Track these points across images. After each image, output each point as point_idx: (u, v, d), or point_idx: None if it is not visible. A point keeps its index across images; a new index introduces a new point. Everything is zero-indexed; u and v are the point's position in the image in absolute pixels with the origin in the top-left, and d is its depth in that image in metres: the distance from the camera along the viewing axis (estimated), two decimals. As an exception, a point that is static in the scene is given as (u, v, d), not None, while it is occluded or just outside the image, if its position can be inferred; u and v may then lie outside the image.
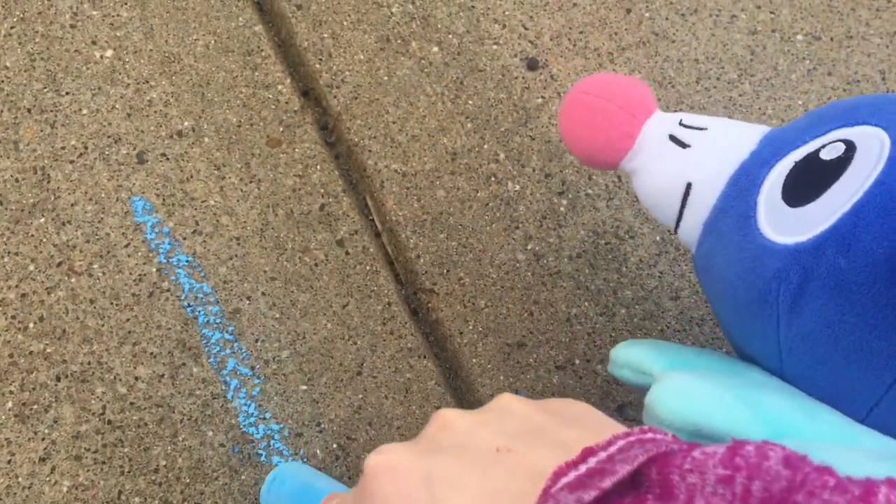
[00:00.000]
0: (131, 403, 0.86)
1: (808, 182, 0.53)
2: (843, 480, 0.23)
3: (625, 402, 0.94)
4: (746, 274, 0.55)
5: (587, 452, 0.27)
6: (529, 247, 1.02)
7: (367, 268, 0.99)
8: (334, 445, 0.88)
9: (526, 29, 1.14)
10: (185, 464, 0.84)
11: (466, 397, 0.95)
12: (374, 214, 1.03)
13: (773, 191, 0.55)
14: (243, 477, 0.85)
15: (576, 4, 1.16)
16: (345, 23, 1.12)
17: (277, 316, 0.94)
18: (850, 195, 0.50)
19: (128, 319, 0.90)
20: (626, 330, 0.98)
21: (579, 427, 0.31)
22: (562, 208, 1.04)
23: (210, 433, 0.86)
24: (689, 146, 0.63)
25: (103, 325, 0.89)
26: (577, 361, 0.96)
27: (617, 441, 0.27)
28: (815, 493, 0.23)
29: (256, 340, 0.92)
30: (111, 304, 0.91)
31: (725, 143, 0.62)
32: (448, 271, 1.00)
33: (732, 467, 0.24)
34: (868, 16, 1.17)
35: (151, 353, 0.89)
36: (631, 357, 0.62)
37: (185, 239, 0.96)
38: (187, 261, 0.95)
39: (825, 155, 0.53)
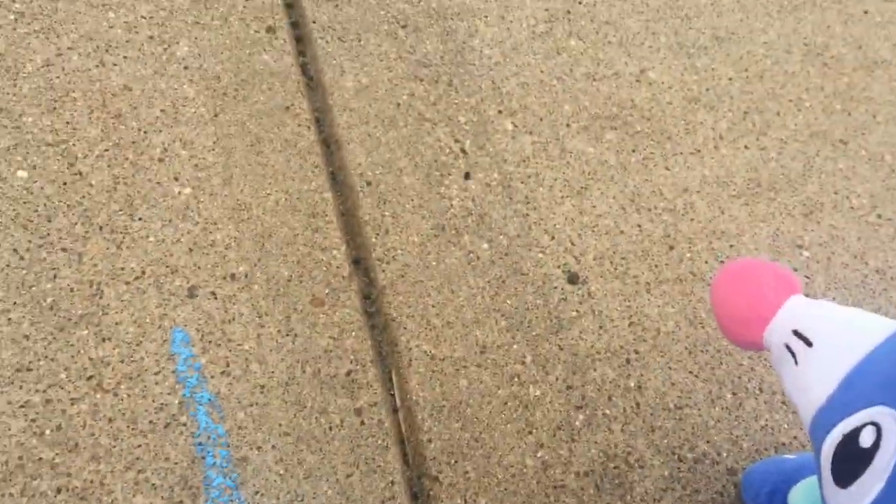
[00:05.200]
0: (120, 532, 0.86)
1: (848, 466, 0.60)
2: None
3: None
4: None
5: None
6: (539, 454, 1.03)
7: (379, 442, 1.00)
8: None
9: (572, 244, 1.20)
10: None
11: None
12: (396, 391, 1.05)
13: (826, 464, 0.62)
14: None
15: (622, 232, 1.23)
16: (407, 206, 1.19)
17: (282, 472, 0.94)
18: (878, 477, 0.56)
19: (139, 445, 0.92)
20: (621, 560, 0.97)
21: None
22: (577, 423, 1.06)
23: (188, 580, 0.85)
24: (797, 364, 0.71)
25: (115, 447, 0.90)
26: (567, 583, 0.94)
27: None
28: None
29: (256, 493, 0.92)
30: (128, 426, 0.92)
31: (818, 373, 0.69)
32: (456, 462, 1.00)
33: None
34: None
35: (153, 485, 0.89)
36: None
37: (212, 377, 0.99)
38: (209, 399, 0.97)
39: (863, 441, 0.59)
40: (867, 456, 0.57)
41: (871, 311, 1.18)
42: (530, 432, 1.04)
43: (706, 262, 1.22)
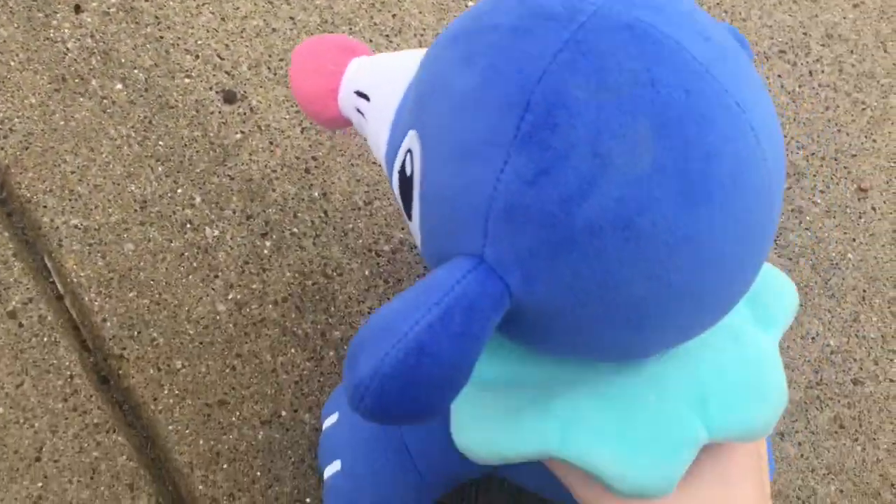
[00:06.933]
0: None
1: (406, 199, 0.57)
2: None
3: (335, 449, 0.92)
4: None
5: None
6: (231, 296, 0.97)
7: (45, 339, 0.90)
8: (9, 545, 0.81)
9: (221, 59, 1.08)
10: None
11: (165, 466, 0.89)
12: (55, 277, 0.94)
13: (399, 206, 0.63)
14: None
15: (275, 30, 1.11)
16: (12, 63, 1.01)
17: (-65, 408, 0.84)
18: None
19: None
20: (335, 373, 0.96)
21: None
22: (265, 251, 1.00)
23: None
24: (364, 121, 0.68)
25: None
26: (284, 413, 0.93)
27: None
28: None
29: None
30: None
31: (378, 124, 0.65)
32: (139, 333, 0.93)
33: None
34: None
35: None
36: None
37: None
38: None
39: (406, 170, 0.56)
40: (411, 182, 0.55)
41: None
42: (216, 276, 0.97)
43: (370, 41, 1.13)
